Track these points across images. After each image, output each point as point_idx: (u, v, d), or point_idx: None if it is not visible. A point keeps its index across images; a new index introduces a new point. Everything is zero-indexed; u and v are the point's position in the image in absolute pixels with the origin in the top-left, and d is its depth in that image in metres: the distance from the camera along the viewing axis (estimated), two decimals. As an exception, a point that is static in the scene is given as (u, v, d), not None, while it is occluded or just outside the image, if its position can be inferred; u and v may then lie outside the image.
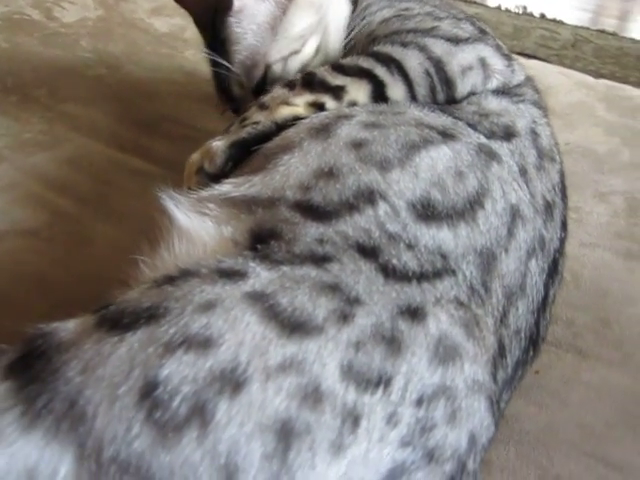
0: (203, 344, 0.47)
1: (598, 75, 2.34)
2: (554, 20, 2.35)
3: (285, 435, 0.45)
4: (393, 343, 0.50)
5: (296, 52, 0.84)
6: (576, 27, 2.50)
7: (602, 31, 2.60)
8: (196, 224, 0.63)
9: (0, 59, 1.34)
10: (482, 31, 0.90)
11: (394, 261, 0.56)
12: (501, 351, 0.59)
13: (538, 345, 0.66)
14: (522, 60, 1.41)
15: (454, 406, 0.51)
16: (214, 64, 0.88)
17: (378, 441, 0.47)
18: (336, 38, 0.87)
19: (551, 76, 1.36)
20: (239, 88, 0.87)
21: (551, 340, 0.79)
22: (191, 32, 1.48)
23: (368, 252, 0.56)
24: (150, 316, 0.49)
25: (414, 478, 0.48)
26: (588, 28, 2.49)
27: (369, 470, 0.47)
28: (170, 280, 0.53)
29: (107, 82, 1.29)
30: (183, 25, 1.52)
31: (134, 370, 0.46)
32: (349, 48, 0.89)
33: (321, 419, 0.46)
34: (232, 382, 0.46)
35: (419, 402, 0.50)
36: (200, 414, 0.45)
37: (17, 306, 0.79)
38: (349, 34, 0.90)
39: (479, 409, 0.52)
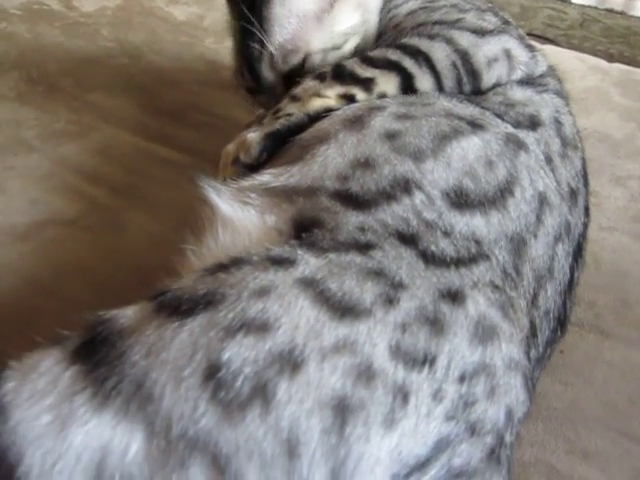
0: (261, 327, 0.51)
1: (607, 55, 2.35)
2: (561, 0, 2.36)
3: (342, 411, 0.48)
4: (436, 324, 0.54)
5: (337, 48, 0.86)
6: (584, 6, 2.50)
7: (610, 10, 2.61)
8: (240, 213, 0.66)
9: (24, 50, 1.36)
10: (505, 22, 0.93)
11: (432, 247, 0.59)
12: (533, 331, 0.62)
13: (565, 325, 0.70)
14: (535, 44, 1.44)
15: (493, 382, 0.54)
16: (249, 38, 0.86)
17: (426, 416, 0.51)
18: (371, 37, 0.89)
19: (566, 61, 1.37)
20: (269, 69, 0.87)
21: (574, 321, 0.82)
22: (210, 20, 1.51)
23: (408, 239, 0.59)
24: (208, 302, 0.52)
25: (458, 449, 0.52)
26: (596, 7, 2.50)
27: (418, 442, 0.50)
28: (222, 268, 0.56)
29: (130, 72, 1.31)
30: (201, 13, 1.54)
31: (197, 353, 0.50)
32: (376, 41, 0.91)
33: (374, 396, 0.49)
34: (291, 362, 0.49)
35: (461, 379, 0.53)
36: (262, 393, 0.48)
37: (62, 293, 0.83)
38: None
39: (515, 385, 0.56)
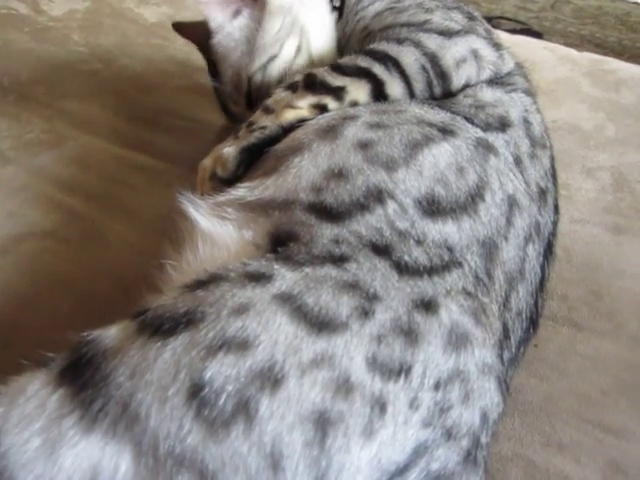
0: (241, 345, 0.52)
1: (578, 36, 2.37)
2: (533, -19, 2.38)
3: (322, 424, 0.50)
4: (411, 334, 0.55)
5: (274, 56, 0.89)
6: (555, -13, 2.51)
7: (581, -9, 2.62)
8: (218, 228, 0.67)
9: (-5, 58, 1.35)
10: (472, 18, 0.94)
11: (406, 257, 0.61)
12: (506, 333, 0.65)
13: (537, 323, 0.72)
14: (505, 36, 1.45)
15: (467, 388, 0.56)
16: (214, 88, 0.95)
17: (403, 424, 0.52)
18: (319, 36, 0.90)
19: (536, 52, 1.39)
20: (234, 105, 0.94)
21: (548, 314, 0.85)
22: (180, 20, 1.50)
23: (381, 250, 0.61)
24: (188, 321, 0.54)
25: (436, 454, 0.54)
26: (567, -12, 2.51)
27: (396, 450, 0.52)
28: (201, 285, 0.58)
29: (103, 76, 1.31)
30: (171, 14, 1.53)
31: (180, 373, 0.51)
32: (345, 43, 0.92)
33: (353, 408, 0.51)
34: (271, 379, 0.51)
35: (437, 386, 0.55)
36: (245, 410, 0.50)
37: (43, 307, 0.84)
38: (343, 30, 0.93)
39: (489, 389, 0.58)
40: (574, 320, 0.84)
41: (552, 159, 0.83)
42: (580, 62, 1.36)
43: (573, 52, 1.42)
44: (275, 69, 0.89)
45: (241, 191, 0.70)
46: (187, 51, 1.38)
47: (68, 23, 1.47)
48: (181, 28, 1.08)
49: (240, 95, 0.92)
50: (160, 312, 0.56)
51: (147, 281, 0.69)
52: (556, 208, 0.79)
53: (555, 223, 0.78)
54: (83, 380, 0.52)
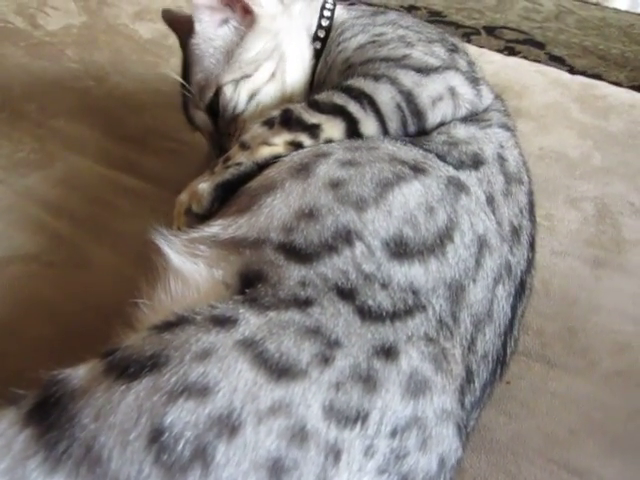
0: (201, 392, 0.53)
1: (581, 47, 2.37)
2: (537, -8, 2.38)
3: (276, 471, 0.51)
4: (369, 382, 0.56)
5: (247, 76, 0.90)
6: (559, -2, 2.52)
7: (585, 2, 2.63)
8: (189, 266, 0.68)
9: (-11, 73, 1.36)
10: (454, 50, 0.95)
11: (370, 302, 0.61)
12: (469, 377, 0.65)
13: (505, 364, 0.72)
14: (498, 58, 1.46)
15: (425, 435, 0.57)
16: (182, 86, 0.95)
17: (357, 471, 0.53)
18: (296, 66, 0.91)
19: (527, 75, 1.40)
20: (194, 108, 0.94)
21: (522, 350, 0.85)
22: (174, 38, 1.51)
23: (346, 294, 0.62)
24: (153, 365, 0.55)
25: None
26: (571, -1, 2.51)
27: None
28: (169, 327, 0.59)
29: (95, 95, 1.32)
30: (166, 31, 1.53)
31: (142, 417, 0.52)
32: (326, 73, 0.93)
33: (307, 456, 0.52)
34: (229, 426, 0.52)
35: (393, 433, 0.56)
36: (202, 456, 0.51)
37: (26, 333, 0.85)
38: (325, 59, 0.94)
39: (448, 435, 0.59)
40: (547, 356, 0.85)
41: (530, 194, 0.83)
42: (571, 86, 1.36)
43: (565, 76, 1.42)
44: (245, 88, 0.90)
45: (214, 229, 0.71)
46: (179, 70, 1.40)
47: (63, 38, 1.48)
48: (170, 17, 1.08)
49: (202, 100, 0.92)
50: (127, 354, 0.57)
51: (123, 316, 0.70)
52: (531, 245, 0.80)
53: (530, 260, 0.78)
54: (50, 421, 0.53)
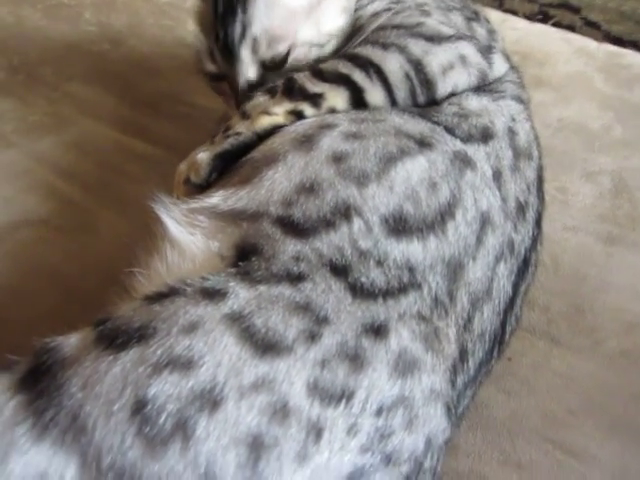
0: (186, 365, 0.53)
1: (618, 13, 2.28)
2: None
3: (256, 447, 0.51)
4: (356, 360, 0.56)
5: (320, 46, 0.85)
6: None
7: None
8: (187, 237, 0.68)
9: (6, 35, 1.37)
10: (472, 19, 0.91)
11: (363, 279, 0.61)
12: (462, 356, 0.64)
13: (504, 343, 0.71)
14: (522, 25, 1.42)
15: (412, 414, 0.57)
16: (227, 17, 0.83)
17: (339, 450, 0.54)
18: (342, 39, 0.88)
19: (552, 43, 1.36)
20: (250, 52, 0.83)
21: (526, 326, 0.85)
22: (192, 1, 1.49)
23: (339, 271, 0.61)
24: (141, 336, 0.55)
25: (372, 478, 0.55)
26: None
27: (331, 474, 0.53)
28: (159, 298, 0.59)
29: (110, 58, 1.32)
30: (185, -8, 1.52)
31: (126, 388, 0.53)
32: (345, 42, 0.91)
33: (287, 433, 0.52)
34: (210, 400, 0.52)
35: (379, 412, 0.56)
36: (183, 429, 0.51)
37: (32, 298, 0.86)
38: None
39: (435, 415, 0.59)
40: (552, 334, 0.84)
41: (539, 169, 0.81)
42: (596, 55, 1.32)
43: (591, 44, 1.37)
44: (314, 54, 0.85)
45: (214, 199, 0.70)
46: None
47: (81, 1, 1.47)
48: None
49: (270, 49, 0.83)
50: (117, 324, 0.57)
51: (121, 282, 0.71)
52: (537, 223, 0.78)
53: (535, 238, 0.77)
54: (39, 388, 0.54)
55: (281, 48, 0.84)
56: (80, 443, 0.52)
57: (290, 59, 0.84)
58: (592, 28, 2.28)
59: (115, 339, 0.56)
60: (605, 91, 1.22)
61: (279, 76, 0.84)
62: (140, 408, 0.52)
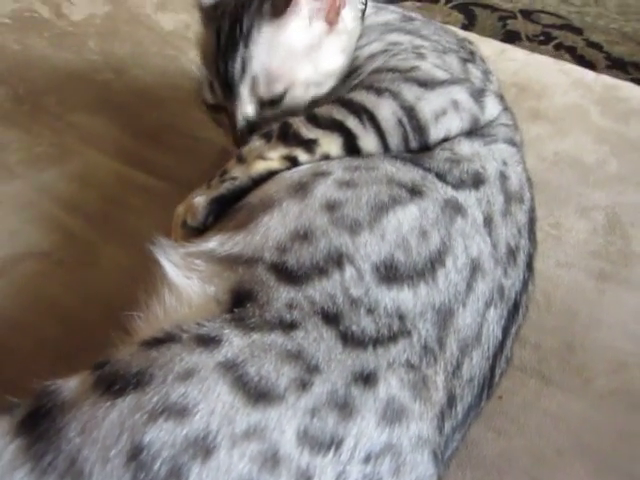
0: (180, 412, 0.55)
1: (620, 33, 2.30)
2: (577, -25, 2.33)
3: None
4: (345, 408, 0.58)
5: (318, 84, 0.88)
6: (600, -18, 2.45)
7: (627, -15, 2.55)
8: (184, 280, 0.70)
9: (12, 64, 1.39)
10: (468, 60, 0.93)
11: (353, 327, 0.63)
12: (450, 402, 0.66)
13: (493, 386, 0.73)
14: (521, 56, 1.44)
15: (399, 461, 0.59)
16: (230, 54, 0.86)
17: None
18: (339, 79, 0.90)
19: (549, 74, 1.37)
20: (249, 91, 0.86)
21: (517, 364, 0.86)
22: (194, 30, 1.52)
23: (331, 319, 0.63)
24: (137, 382, 0.57)
25: None
26: (613, -17, 2.45)
27: None
28: (156, 343, 0.61)
29: (114, 88, 1.34)
30: (188, 21, 1.55)
31: (123, 434, 0.55)
32: (339, 80, 0.93)
33: None
34: (204, 448, 0.54)
35: (367, 459, 0.57)
36: (177, 476, 0.53)
37: (33, 330, 0.89)
38: None
39: (422, 461, 0.60)
40: (543, 372, 0.85)
41: (531, 211, 0.83)
42: (593, 88, 1.33)
43: (589, 75, 1.39)
44: (310, 94, 0.88)
45: (212, 244, 0.72)
46: (198, 64, 1.41)
47: (86, 29, 1.50)
48: None
49: (268, 89, 0.85)
50: (115, 369, 0.59)
51: (121, 322, 0.73)
52: (529, 265, 0.79)
53: (526, 281, 0.78)
54: (39, 431, 0.56)
55: (279, 87, 0.86)
56: None
57: (287, 98, 0.87)
58: (594, 49, 2.31)
59: (113, 384, 0.58)
60: (601, 125, 1.24)
61: (276, 114, 0.87)
62: (136, 454, 0.54)
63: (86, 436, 0.55)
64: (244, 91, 0.87)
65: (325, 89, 0.89)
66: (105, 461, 0.54)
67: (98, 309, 0.91)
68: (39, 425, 0.56)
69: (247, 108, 0.88)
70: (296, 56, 0.87)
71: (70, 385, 0.60)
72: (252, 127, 0.88)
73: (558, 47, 2.43)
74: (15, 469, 0.54)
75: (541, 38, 2.46)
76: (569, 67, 1.43)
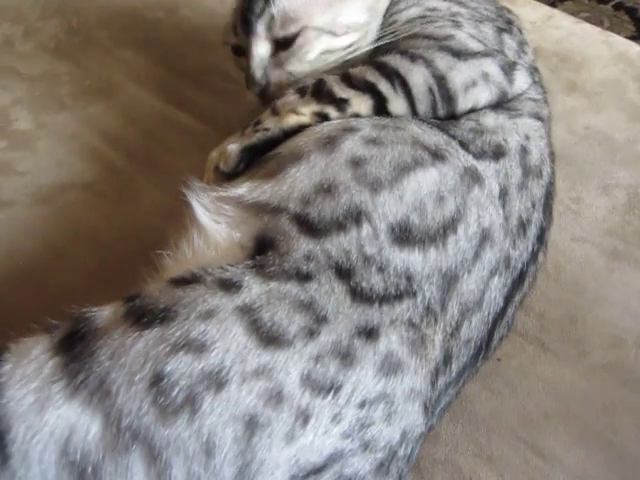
0: (199, 348, 0.62)
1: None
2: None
3: (251, 425, 0.60)
4: (347, 358, 0.64)
5: (334, 35, 0.89)
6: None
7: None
8: (213, 225, 0.75)
9: (68, -4, 1.43)
10: (505, 30, 0.95)
11: (363, 284, 0.68)
12: (446, 360, 0.72)
13: (490, 349, 0.78)
14: (566, 23, 1.42)
15: (391, 409, 0.65)
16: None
17: (323, 434, 0.62)
18: (369, 41, 0.92)
19: (592, 46, 1.36)
20: (265, 29, 0.88)
21: (520, 330, 0.91)
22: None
23: (344, 274, 0.68)
24: (163, 317, 0.64)
25: (350, 461, 0.63)
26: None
27: (313, 454, 0.62)
28: (183, 283, 0.67)
29: (163, 27, 1.38)
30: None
31: (147, 363, 0.61)
32: (376, 41, 0.95)
33: (279, 416, 0.61)
34: (217, 381, 0.61)
35: (362, 405, 0.64)
36: (191, 403, 0.60)
37: (72, 257, 0.96)
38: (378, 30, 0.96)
39: (413, 411, 0.66)
40: (542, 340, 0.90)
41: (548, 186, 0.85)
42: (635, 63, 1.32)
43: (633, 49, 1.37)
44: (325, 43, 0.89)
45: (241, 190, 0.76)
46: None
47: (142, -36, 1.52)
48: None
49: (282, 29, 0.87)
50: (145, 302, 0.66)
51: (150, 261, 0.79)
52: (540, 238, 0.83)
53: (535, 253, 0.82)
54: (74, 353, 0.63)
55: (293, 29, 0.88)
56: (104, 405, 0.61)
57: (299, 40, 0.89)
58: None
59: (142, 317, 0.64)
60: (637, 102, 1.24)
61: (290, 61, 0.89)
62: (157, 381, 0.61)
63: (115, 361, 0.62)
64: (260, 27, 0.89)
65: (342, 42, 0.90)
66: (130, 384, 0.61)
67: (133, 242, 0.97)
68: (74, 347, 0.63)
69: (261, 46, 0.90)
70: (318, 3, 0.89)
71: (104, 314, 0.66)
72: (267, 80, 0.91)
73: (618, 7, 2.36)
74: (53, 383, 0.62)
75: (605, -7, 2.38)
76: (615, 39, 1.41)
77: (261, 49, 0.90)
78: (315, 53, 0.90)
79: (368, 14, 0.92)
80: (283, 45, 0.90)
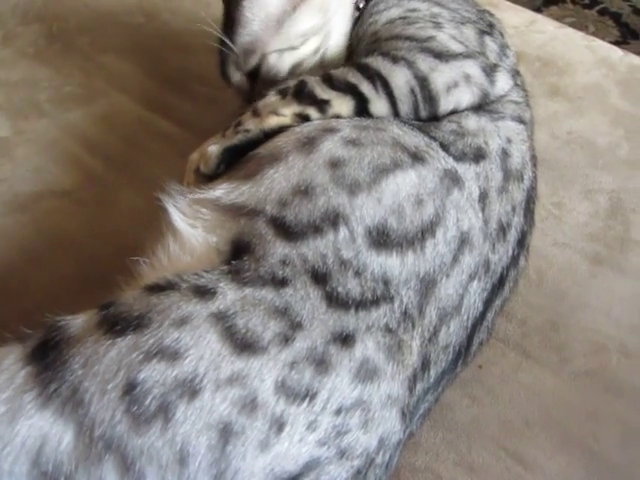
0: (172, 355, 0.61)
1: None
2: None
3: (225, 433, 0.59)
4: (322, 364, 0.63)
5: (293, 48, 0.92)
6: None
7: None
8: (188, 229, 0.74)
9: (49, 1, 1.42)
10: (486, 32, 0.94)
11: (339, 289, 0.67)
12: (424, 366, 0.71)
13: (469, 355, 0.77)
14: (550, 28, 1.43)
15: (368, 416, 0.64)
16: (221, 42, 0.95)
17: (298, 442, 0.61)
18: (338, 43, 0.93)
19: (575, 50, 1.37)
20: (235, 69, 0.95)
21: (502, 336, 0.90)
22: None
23: (319, 279, 0.67)
24: (137, 325, 0.63)
25: (326, 469, 0.62)
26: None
27: (289, 462, 0.61)
28: (157, 290, 0.66)
29: (144, 32, 1.37)
30: (222, -31, 1.55)
31: (120, 371, 0.60)
32: (356, 44, 0.95)
33: (253, 424, 0.60)
34: (190, 389, 0.60)
35: (338, 412, 0.63)
36: (164, 412, 0.59)
37: (50, 266, 0.95)
38: (357, 31, 0.96)
39: (390, 418, 0.65)
40: (524, 347, 0.89)
41: (530, 190, 0.85)
42: (618, 67, 1.33)
43: (616, 54, 1.37)
44: (289, 59, 0.92)
45: (218, 192, 0.75)
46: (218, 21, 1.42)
47: (122, -31, 1.51)
48: None
49: (245, 63, 0.94)
50: (119, 310, 0.65)
51: (127, 268, 0.78)
52: (520, 242, 0.82)
53: (515, 257, 0.81)
54: (47, 362, 0.62)
55: (254, 61, 0.92)
56: (77, 414, 0.59)
57: (264, 68, 0.92)
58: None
59: (115, 325, 0.63)
60: (619, 107, 1.24)
61: (269, 86, 0.90)
62: (130, 389, 0.59)
63: (88, 369, 0.61)
64: (231, 70, 0.96)
65: (306, 50, 0.92)
66: (103, 393, 0.60)
67: (111, 250, 0.96)
68: (47, 356, 0.62)
69: (235, 76, 0.96)
70: (267, 27, 0.91)
71: (77, 322, 0.65)
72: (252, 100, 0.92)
73: (602, 12, 2.38)
74: (25, 392, 0.60)
75: (586, 2, 2.41)
76: (597, 43, 1.42)
77: (235, 79, 0.96)
78: (284, 71, 0.92)
79: (320, 14, 0.92)
80: (255, 76, 0.93)
